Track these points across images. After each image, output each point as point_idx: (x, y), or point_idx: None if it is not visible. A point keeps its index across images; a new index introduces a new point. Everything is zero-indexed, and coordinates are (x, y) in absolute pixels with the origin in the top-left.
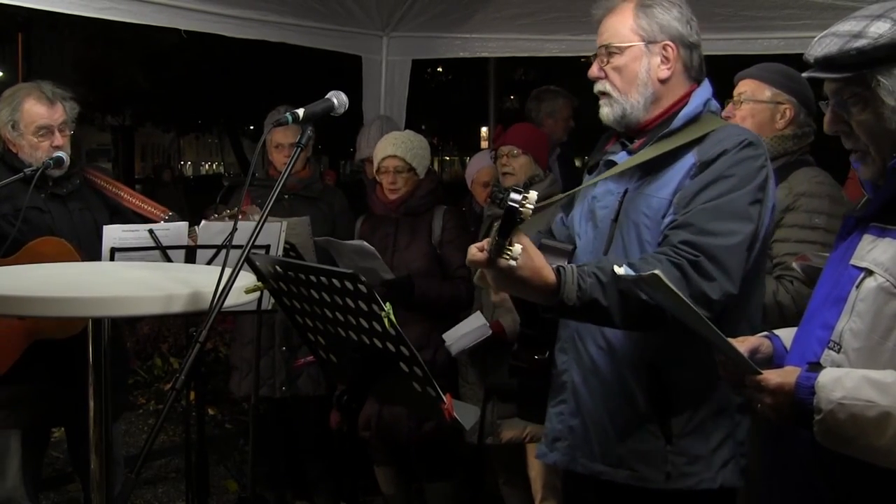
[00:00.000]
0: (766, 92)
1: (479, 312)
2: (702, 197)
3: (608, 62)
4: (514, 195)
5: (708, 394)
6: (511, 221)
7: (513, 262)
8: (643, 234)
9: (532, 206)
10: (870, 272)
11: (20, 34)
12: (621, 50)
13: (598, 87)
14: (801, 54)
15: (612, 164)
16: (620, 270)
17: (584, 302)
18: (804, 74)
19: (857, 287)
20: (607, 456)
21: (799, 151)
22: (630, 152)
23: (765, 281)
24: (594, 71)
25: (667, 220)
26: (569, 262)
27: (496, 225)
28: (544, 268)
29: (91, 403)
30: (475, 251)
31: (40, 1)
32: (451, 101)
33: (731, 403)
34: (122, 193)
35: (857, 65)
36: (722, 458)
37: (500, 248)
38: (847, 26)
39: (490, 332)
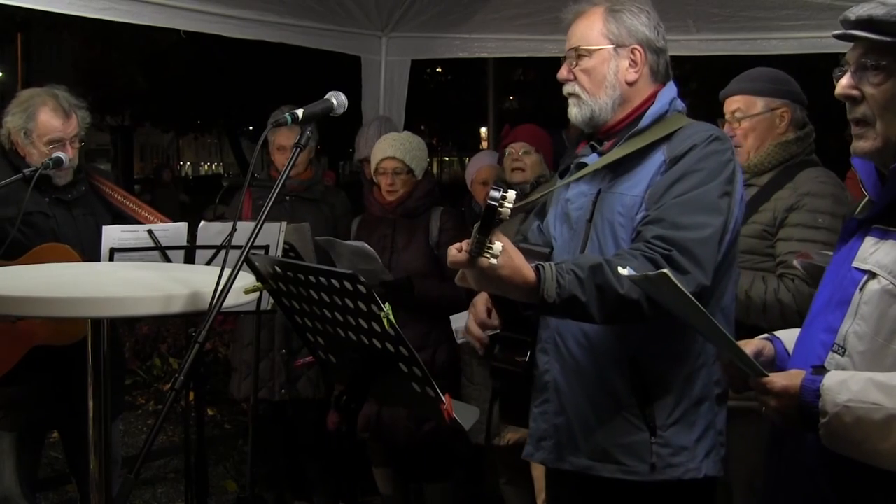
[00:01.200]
0: (758, 103)
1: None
2: (672, 192)
3: (577, 64)
4: (493, 192)
5: (688, 385)
6: (490, 219)
7: (493, 261)
8: (618, 232)
9: (510, 206)
10: (873, 275)
11: (19, 34)
12: (590, 53)
13: (567, 88)
14: (800, 55)
15: (584, 166)
16: (624, 272)
17: (563, 298)
18: (835, 33)
19: (861, 290)
20: (593, 451)
21: (803, 153)
22: (601, 154)
23: (737, 273)
24: (563, 73)
25: (639, 216)
26: None
27: (475, 225)
28: (524, 266)
29: (90, 403)
30: (455, 252)
31: (39, 1)
32: (450, 101)
33: (711, 394)
34: (128, 202)
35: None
36: (705, 448)
37: (480, 247)
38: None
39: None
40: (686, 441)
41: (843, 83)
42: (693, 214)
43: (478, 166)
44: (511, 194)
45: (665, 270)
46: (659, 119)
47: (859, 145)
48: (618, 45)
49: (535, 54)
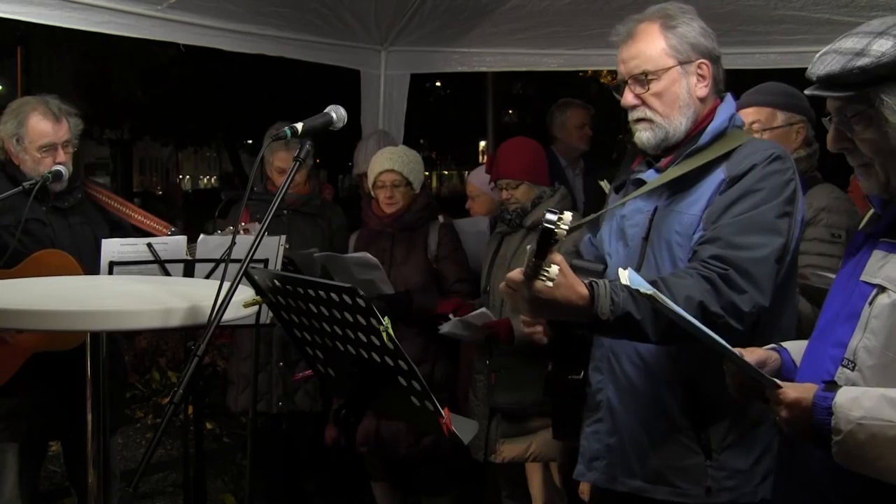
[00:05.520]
0: (779, 116)
1: (484, 309)
2: (731, 212)
3: (648, 89)
4: (549, 216)
5: (745, 407)
6: (547, 242)
7: (549, 283)
8: (675, 251)
9: (567, 227)
10: (883, 288)
11: (19, 48)
12: (658, 75)
13: (635, 114)
14: (798, 69)
15: (641, 182)
16: (624, 276)
17: (617, 316)
18: (806, 92)
19: (870, 304)
20: (646, 473)
21: (810, 170)
22: (658, 170)
23: (796, 296)
24: (629, 100)
25: (696, 235)
26: None
27: (529, 247)
28: (577, 283)
29: (89, 417)
30: (517, 273)
31: (39, 15)
32: (449, 115)
33: (768, 416)
34: (124, 209)
35: (860, 83)
36: (762, 472)
37: (536, 270)
38: (849, 43)
39: (490, 317)
40: (742, 464)
41: (831, 138)
42: (750, 234)
43: (469, 180)
44: (567, 216)
45: (650, 292)
46: (719, 136)
47: (866, 185)
48: (684, 62)
49: (534, 68)
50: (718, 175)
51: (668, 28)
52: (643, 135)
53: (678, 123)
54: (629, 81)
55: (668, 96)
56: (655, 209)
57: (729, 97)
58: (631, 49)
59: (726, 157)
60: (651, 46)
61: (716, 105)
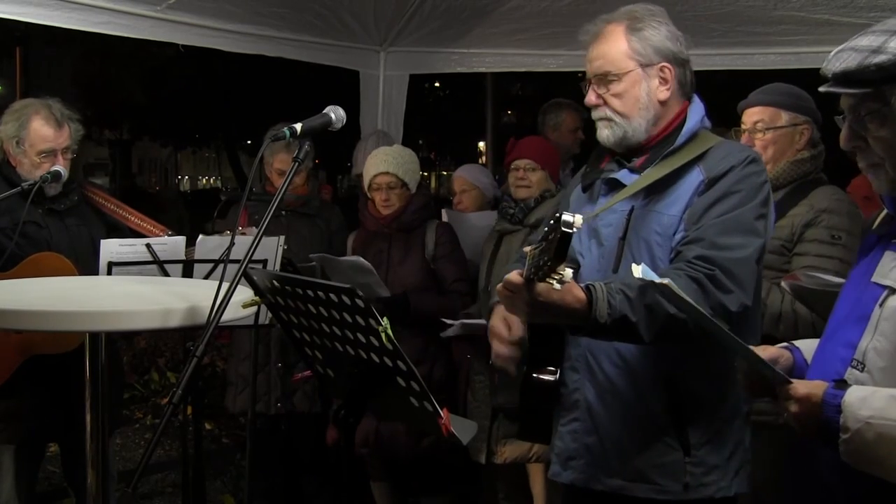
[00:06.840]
0: (783, 116)
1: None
2: (712, 213)
3: (608, 89)
4: (566, 218)
5: (721, 403)
6: (566, 246)
7: (558, 286)
8: (655, 251)
9: (578, 229)
10: (893, 290)
11: (18, 48)
12: (619, 77)
13: (596, 113)
14: (798, 69)
15: (615, 182)
16: (638, 270)
17: (614, 319)
18: (821, 89)
19: (881, 305)
20: (626, 471)
21: (814, 172)
22: (632, 170)
23: (761, 291)
24: (591, 99)
25: (678, 236)
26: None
27: (530, 249)
28: (576, 287)
29: (87, 418)
30: (516, 276)
31: (39, 15)
32: (448, 115)
33: (741, 411)
34: (121, 211)
35: (876, 81)
36: (735, 466)
37: (548, 272)
38: (866, 41)
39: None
40: (718, 460)
41: (844, 136)
42: (732, 235)
43: (458, 175)
44: (578, 219)
45: (666, 281)
46: (692, 137)
47: (877, 185)
48: (645, 65)
49: (534, 69)
50: (696, 176)
51: (633, 30)
52: (603, 132)
53: (637, 125)
54: (592, 81)
55: (628, 98)
56: (632, 209)
57: (696, 99)
58: (596, 49)
59: (700, 157)
60: (614, 48)
61: (684, 107)
